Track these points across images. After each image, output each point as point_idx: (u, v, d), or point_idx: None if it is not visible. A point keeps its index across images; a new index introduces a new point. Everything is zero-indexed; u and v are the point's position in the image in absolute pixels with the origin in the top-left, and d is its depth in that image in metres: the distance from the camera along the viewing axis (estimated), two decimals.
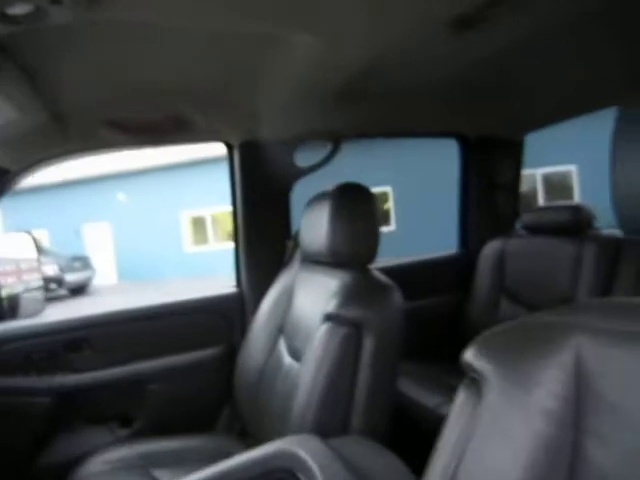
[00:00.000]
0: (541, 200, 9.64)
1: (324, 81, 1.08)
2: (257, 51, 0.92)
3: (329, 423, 1.01)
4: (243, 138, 1.59)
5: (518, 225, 1.98)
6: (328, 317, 1.07)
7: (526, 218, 1.87)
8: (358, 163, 9.79)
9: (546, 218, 1.77)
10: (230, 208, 1.70)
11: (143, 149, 1.54)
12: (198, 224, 12.89)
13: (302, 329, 1.22)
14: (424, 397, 1.53)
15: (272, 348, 1.36)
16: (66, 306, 9.15)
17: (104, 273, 12.97)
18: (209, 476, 0.81)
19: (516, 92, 1.47)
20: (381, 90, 1.21)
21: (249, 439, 1.36)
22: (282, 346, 1.34)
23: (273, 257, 1.62)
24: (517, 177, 2.14)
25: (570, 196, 9.57)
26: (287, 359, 1.28)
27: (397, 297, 1.10)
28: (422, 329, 1.77)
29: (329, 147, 1.64)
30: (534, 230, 1.82)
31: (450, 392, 0.54)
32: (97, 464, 1.27)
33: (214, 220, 12.53)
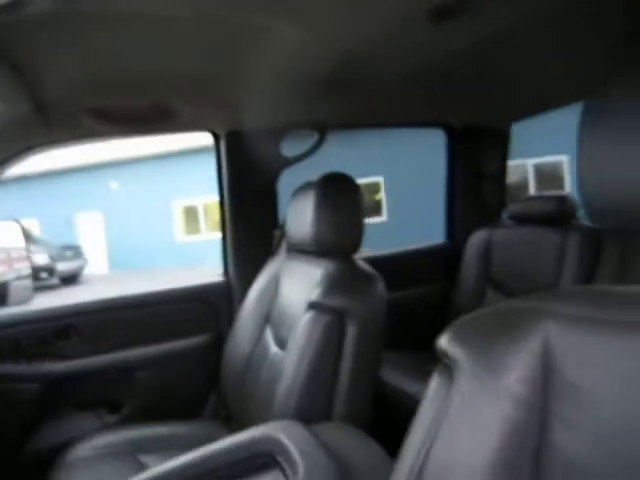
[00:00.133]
0: (532, 190, 9.68)
1: (307, 71, 1.09)
2: (241, 40, 0.92)
3: (311, 409, 1.03)
4: (229, 128, 1.59)
5: (504, 215, 2.00)
6: (312, 305, 1.09)
7: (512, 208, 1.89)
8: (349, 153, 9.79)
9: (531, 208, 1.79)
10: None
11: (128, 139, 1.53)
12: (190, 213, 12.84)
13: (288, 318, 1.24)
14: (405, 384, 1.55)
15: (258, 337, 1.38)
16: (57, 295, 9.11)
17: (96, 262, 12.91)
18: (193, 460, 0.83)
19: (499, 82, 1.48)
20: (364, 80, 1.22)
21: (235, 425, 1.38)
22: (268, 335, 1.35)
23: (260, 246, 1.63)
24: (503, 167, 2.15)
25: (561, 186, 9.61)
26: (273, 347, 1.30)
27: (380, 287, 1.12)
28: (408, 319, 1.79)
29: (315, 137, 1.65)
30: (520, 220, 1.84)
31: (430, 378, 0.56)
32: (85, 450, 1.29)
33: (206, 209, 12.48)
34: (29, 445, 1.46)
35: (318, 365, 1.03)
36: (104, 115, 1.22)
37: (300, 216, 1.25)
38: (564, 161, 9.78)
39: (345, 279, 1.13)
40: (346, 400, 1.03)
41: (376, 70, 1.16)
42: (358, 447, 0.86)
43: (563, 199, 1.71)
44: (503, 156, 2.13)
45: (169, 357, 1.60)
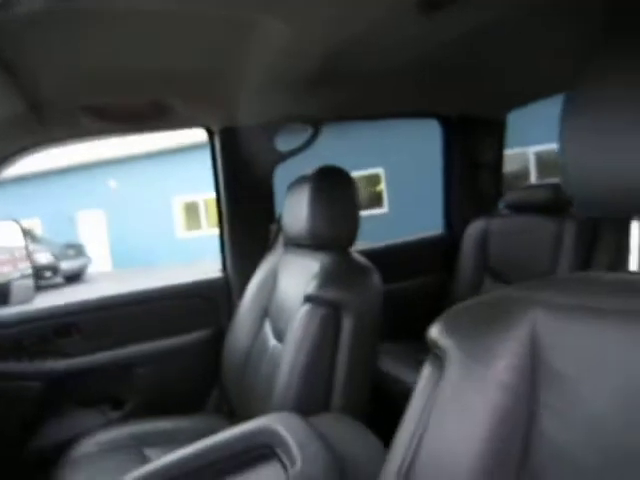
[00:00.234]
0: (534, 179, 9.66)
1: (298, 65, 1.09)
2: (231, 37, 0.93)
3: (310, 401, 1.04)
4: (223, 124, 1.59)
5: (501, 204, 2.00)
6: (308, 298, 1.10)
7: (509, 197, 1.89)
8: (348, 146, 9.77)
9: (528, 197, 1.79)
10: None
11: (123, 136, 1.54)
12: (191, 209, 12.85)
13: (285, 311, 1.25)
14: (404, 374, 1.56)
15: (258, 331, 1.39)
16: (61, 294, 9.15)
17: (99, 260, 12.95)
18: (194, 452, 0.85)
19: (490, 71, 1.47)
20: (356, 73, 1.22)
21: (237, 419, 1.40)
22: (267, 329, 1.36)
23: (257, 241, 1.64)
24: (500, 156, 2.14)
25: None
26: (272, 341, 1.31)
27: (376, 279, 1.13)
28: (407, 310, 1.80)
29: (309, 131, 1.65)
30: (517, 209, 1.84)
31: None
32: (89, 445, 1.30)
33: (207, 205, 12.49)
34: (33, 442, 1.48)
35: (315, 357, 1.05)
36: (100, 113, 1.23)
37: (295, 210, 1.26)
38: None
39: (341, 272, 1.14)
40: (343, 391, 1.04)
41: (367, 62, 1.16)
42: (355, 438, 0.88)
43: (559, 187, 1.70)
44: (499, 145, 2.13)
45: (170, 353, 1.62)
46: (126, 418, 1.54)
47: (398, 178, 10.53)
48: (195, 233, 12.68)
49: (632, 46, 0.43)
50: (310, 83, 1.23)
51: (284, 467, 0.79)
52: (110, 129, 1.43)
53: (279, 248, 1.48)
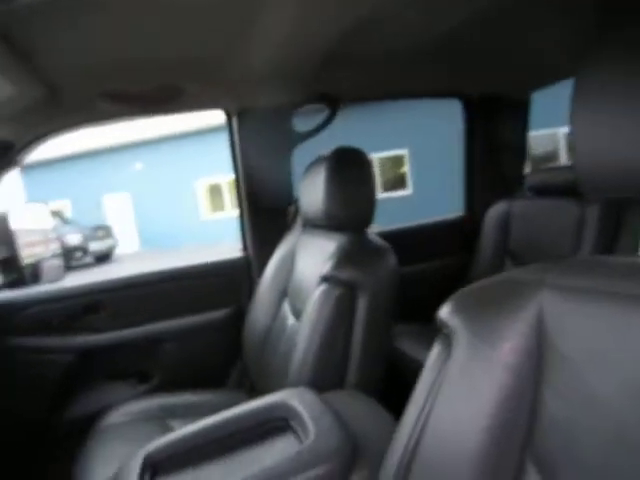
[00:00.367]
0: (564, 160, 9.38)
1: (314, 45, 1.08)
2: (245, 19, 0.93)
3: (325, 378, 1.07)
4: (240, 105, 1.60)
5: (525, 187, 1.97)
6: (324, 279, 1.12)
7: (531, 179, 1.85)
8: (373, 127, 9.66)
9: (550, 179, 1.75)
10: None
11: (141, 119, 1.56)
12: (215, 191, 12.97)
13: (303, 291, 1.27)
14: (420, 354, 1.58)
15: (277, 310, 1.42)
16: (92, 273, 9.43)
17: (126, 242, 13.24)
18: (216, 423, 0.88)
19: (514, 49, 1.43)
20: (372, 52, 1.20)
21: (256, 394, 1.44)
22: (286, 307, 1.39)
23: (277, 222, 1.66)
24: (524, 137, 2.09)
25: None
26: (290, 320, 1.34)
27: (391, 259, 1.14)
28: (426, 291, 1.80)
29: (327, 111, 1.65)
30: (539, 191, 1.80)
31: None
32: (118, 416, 1.37)
33: (230, 186, 12.58)
34: (66, 413, 1.57)
35: (330, 336, 1.07)
36: (118, 97, 1.25)
37: (312, 191, 1.27)
38: None
39: (356, 253, 1.15)
40: (358, 369, 1.07)
41: (384, 41, 1.14)
42: (367, 413, 0.90)
43: None
44: (523, 126, 2.07)
45: (194, 330, 1.67)
46: (152, 391, 1.61)
47: (423, 159, 10.39)
48: (219, 215, 12.81)
49: None
50: (326, 63, 1.22)
51: (298, 439, 0.82)
52: (128, 112, 1.45)
53: (297, 229, 1.50)
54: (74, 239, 10.07)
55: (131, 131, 11.92)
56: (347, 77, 1.44)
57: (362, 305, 1.06)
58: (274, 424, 0.88)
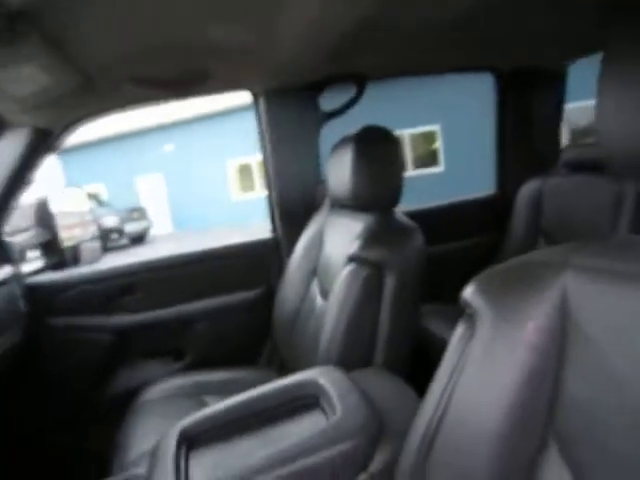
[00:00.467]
0: None
1: (339, 21, 1.06)
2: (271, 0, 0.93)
3: (352, 357, 1.08)
4: (267, 85, 1.60)
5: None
6: (351, 259, 1.12)
7: (566, 155, 1.78)
8: (402, 102, 9.46)
9: (586, 154, 1.68)
10: None
11: (171, 102, 1.58)
12: (245, 171, 13.06)
13: (331, 271, 1.28)
14: (447, 333, 1.57)
15: (306, 290, 1.44)
16: (128, 254, 9.72)
17: (159, 223, 13.54)
18: (247, 399, 0.92)
19: (549, 19, 1.36)
20: (400, 27, 1.17)
21: (285, 372, 1.48)
22: (315, 287, 1.41)
23: (305, 202, 1.67)
24: (559, 111, 2.01)
25: None
26: (319, 299, 1.36)
27: (419, 239, 1.13)
28: (456, 271, 1.79)
29: (354, 90, 1.62)
30: (575, 167, 1.74)
31: None
32: (156, 392, 1.44)
33: (260, 167, 12.61)
34: (105, 389, 1.65)
35: (358, 315, 1.08)
36: (147, 82, 1.27)
37: (339, 171, 1.27)
38: None
39: (383, 232, 1.15)
40: (385, 348, 1.08)
41: (414, 15, 1.11)
42: (393, 391, 0.92)
43: None
44: (559, 99, 1.99)
45: (225, 309, 1.72)
46: (187, 369, 1.67)
47: (455, 135, 10.15)
48: (249, 195, 12.92)
49: None
50: (353, 41, 1.20)
51: (326, 416, 0.84)
52: (158, 96, 1.47)
53: (325, 209, 1.51)
54: (110, 221, 10.37)
55: (162, 113, 12.08)
56: (374, 54, 1.41)
57: (389, 285, 1.07)
58: (303, 401, 0.91)
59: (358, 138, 1.21)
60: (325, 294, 1.31)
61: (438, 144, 10.64)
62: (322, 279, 1.37)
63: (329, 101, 1.67)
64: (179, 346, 1.73)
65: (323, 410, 0.86)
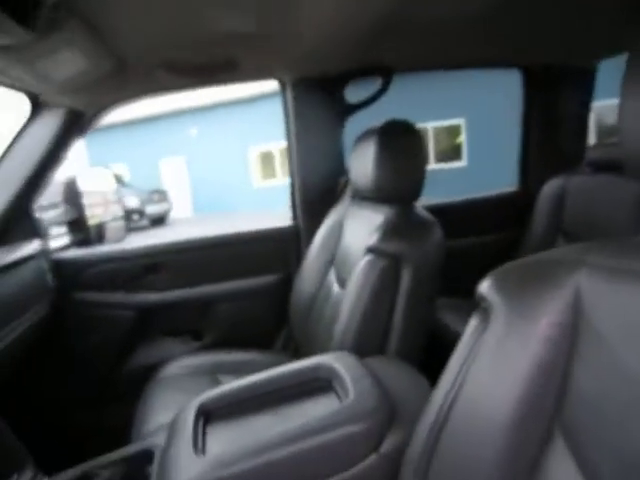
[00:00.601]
0: None
1: (365, 12, 1.06)
2: None
3: (366, 345, 1.10)
4: (295, 75, 1.61)
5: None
6: (369, 250, 1.14)
7: (591, 154, 1.75)
8: (427, 95, 9.34)
9: (611, 154, 1.66)
10: None
11: (199, 89, 1.61)
12: (266, 159, 13.09)
13: (349, 261, 1.30)
14: (462, 327, 1.58)
15: (323, 278, 1.47)
16: (149, 236, 9.87)
17: (180, 206, 13.68)
18: (262, 380, 0.95)
19: (579, 16, 1.35)
20: (427, 20, 1.16)
21: (300, 357, 1.51)
22: (332, 276, 1.44)
23: (326, 193, 1.69)
24: (586, 109, 1.98)
25: None
26: (336, 288, 1.38)
27: (437, 233, 1.15)
28: (475, 267, 1.79)
29: (380, 82, 1.63)
30: (599, 167, 1.72)
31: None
32: (174, 368, 1.49)
33: (282, 154, 12.64)
34: (127, 364, 1.71)
35: (373, 305, 1.10)
36: (178, 69, 1.30)
37: (361, 163, 1.28)
38: None
39: (403, 225, 1.17)
40: (399, 339, 1.10)
41: (441, 7, 1.11)
42: (405, 379, 0.94)
43: None
44: (587, 97, 1.96)
45: (244, 293, 1.76)
46: (205, 348, 1.72)
47: (480, 130, 9.99)
48: (270, 182, 12.95)
49: None
50: (380, 32, 1.20)
51: (339, 398, 0.87)
52: (187, 83, 1.50)
53: (346, 200, 1.52)
54: (132, 202, 10.50)
55: (187, 97, 12.14)
56: (401, 47, 1.41)
57: (406, 277, 1.08)
58: (317, 384, 0.93)
59: (382, 131, 1.22)
60: (342, 283, 1.34)
61: (462, 138, 10.50)
62: (339, 268, 1.40)
63: (355, 93, 1.68)
64: (198, 326, 1.77)
65: (336, 393, 0.89)
